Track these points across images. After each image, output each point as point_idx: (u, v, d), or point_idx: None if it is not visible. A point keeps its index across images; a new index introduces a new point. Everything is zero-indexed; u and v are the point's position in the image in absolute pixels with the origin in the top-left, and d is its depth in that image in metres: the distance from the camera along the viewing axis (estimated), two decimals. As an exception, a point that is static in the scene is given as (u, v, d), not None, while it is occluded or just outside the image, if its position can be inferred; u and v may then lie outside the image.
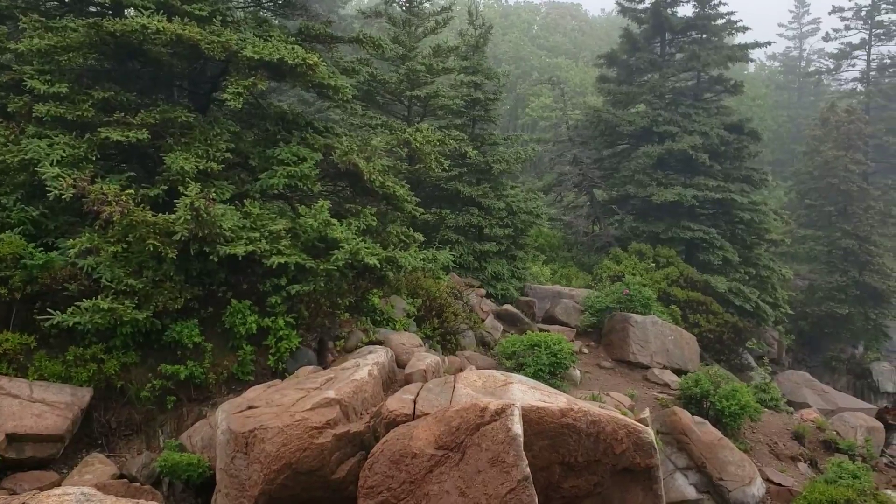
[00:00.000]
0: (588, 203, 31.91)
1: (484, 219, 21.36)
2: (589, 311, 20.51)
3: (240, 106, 12.27)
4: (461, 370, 12.48)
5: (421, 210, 16.05)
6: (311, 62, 12.82)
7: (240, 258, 11.26)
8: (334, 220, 12.33)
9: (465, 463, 7.85)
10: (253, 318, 11.88)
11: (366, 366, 10.49)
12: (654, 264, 25.95)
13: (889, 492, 15.88)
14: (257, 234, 11.59)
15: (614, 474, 9.55)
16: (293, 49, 12.97)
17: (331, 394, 9.53)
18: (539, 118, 46.93)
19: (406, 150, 15.79)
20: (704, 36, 31.35)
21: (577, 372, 16.25)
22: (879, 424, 20.89)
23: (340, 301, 12.84)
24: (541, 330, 17.91)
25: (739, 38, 36.83)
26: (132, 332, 11.14)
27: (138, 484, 10.15)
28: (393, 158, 17.82)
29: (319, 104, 22.06)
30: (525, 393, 9.56)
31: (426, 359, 11.63)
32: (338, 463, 9.09)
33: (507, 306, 19.72)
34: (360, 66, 17.47)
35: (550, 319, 20.85)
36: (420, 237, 14.75)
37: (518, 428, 8.00)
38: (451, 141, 16.80)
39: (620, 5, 33.47)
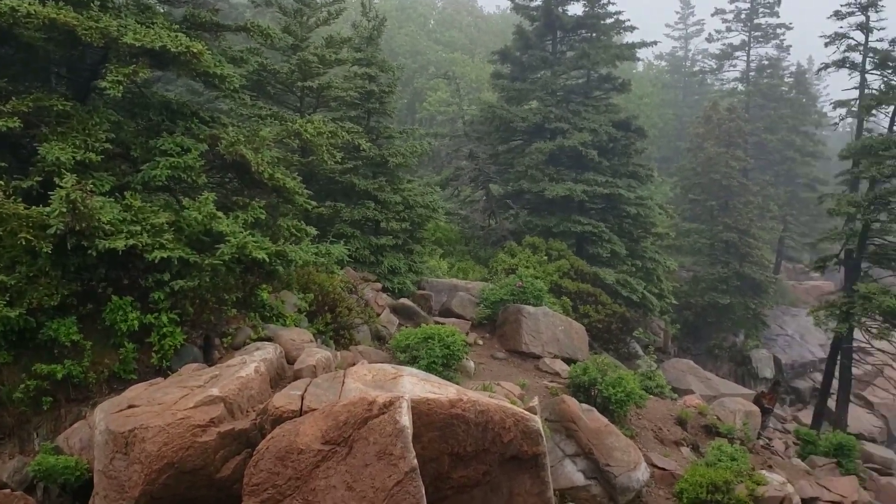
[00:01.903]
0: (484, 198, 32.29)
1: (380, 212, 21.24)
2: (484, 303, 20.75)
3: (120, 94, 11.78)
4: (354, 365, 12.38)
5: (314, 203, 15.83)
6: (195, 50, 12.43)
7: (120, 252, 10.78)
8: (220, 214, 11.99)
9: (352, 457, 7.79)
10: (135, 314, 11.41)
11: (252, 362, 10.27)
12: (546, 257, 26.52)
13: (764, 472, 16.78)
14: (139, 228, 11.12)
15: (503, 463, 9.70)
16: (177, 37, 12.54)
17: (215, 391, 9.27)
18: (436, 112, 47.11)
19: (297, 141, 15.51)
20: (594, 35, 32.25)
21: (472, 363, 16.40)
22: (756, 409, 22.09)
23: (227, 297, 12.50)
24: (437, 323, 17.97)
25: (628, 38, 38.13)
26: (3, 330, 10.50)
27: (9, 490, 9.60)
28: (284, 150, 17.49)
29: (209, 94, 21.43)
30: (415, 385, 9.58)
31: (316, 354, 11.49)
32: (223, 461, 8.87)
33: (404, 300, 19.71)
34: (250, 56, 17.04)
35: (447, 312, 20.97)
36: (313, 231, 14.51)
37: (406, 420, 8.01)
38: (344, 133, 16.61)
39: (514, 3, 34.01)
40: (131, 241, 10.80)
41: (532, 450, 9.81)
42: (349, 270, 19.03)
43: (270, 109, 19.41)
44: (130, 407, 9.32)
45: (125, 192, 11.77)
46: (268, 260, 11.77)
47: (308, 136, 14.49)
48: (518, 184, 30.51)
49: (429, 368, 13.44)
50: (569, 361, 18.63)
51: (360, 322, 16.30)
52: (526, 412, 10.07)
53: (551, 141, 29.70)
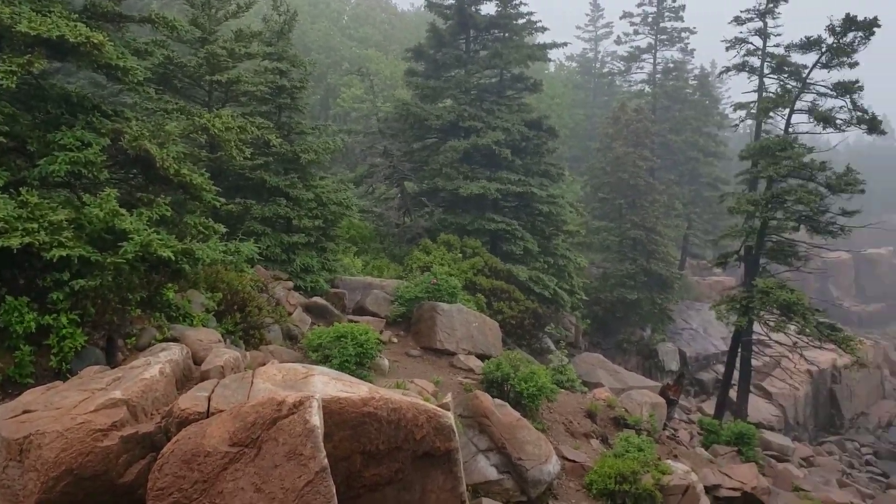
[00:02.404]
0: (399, 195, 32.27)
1: (292, 210, 20.93)
2: (398, 301, 20.75)
3: (14, 86, 11.19)
4: (264, 365, 12.16)
5: (223, 200, 15.42)
6: (96, 41, 11.94)
7: (15, 251, 10.25)
8: (123, 211, 11.53)
9: (261, 458, 7.64)
10: (31, 315, 10.87)
11: (157, 364, 9.94)
12: (461, 255, 26.72)
13: (670, 461, 17.39)
14: (35, 225, 10.59)
15: (415, 460, 9.71)
16: (76, 26, 12.00)
17: (117, 394, 8.93)
18: (350, 109, 46.77)
19: (205, 136, 15.12)
20: (506, 35, 32.64)
21: (386, 361, 16.37)
22: (662, 400, 22.83)
23: (131, 296, 12.07)
24: (351, 321, 17.81)
25: (540, 39, 38.76)
26: None
27: None
28: (191, 145, 17.03)
29: (112, 87, 20.62)
30: (326, 384, 9.48)
31: (224, 354, 11.22)
32: (126, 466, 8.55)
33: (317, 298, 19.49)
34: (155, 48, 16.47)
35: (361, 311, 20.86)
36: (222, 228, 14.14)
37: (316, 420, 7.91)
38: (254, 128, 16.30)
39: (427, 1, 34.05)
40: (27, 239, 10.28)
41: (445, 446, 9.85)
42: (260, 269, 18.68)
43: (177, 104, 18.84)
44: (26, 412, 8.87)
45: (20, 188, 11.20)
46: (174, 258, 11.41)
47: (216, 131, 14.14)
48: (433, 181, 30.63)
49: (341, 367, 13.33)
50: (483, 357, 18.82)
51: (270, 321, 16.02)
52: (439, 409, 10.11)
53: (465, 139, 29.94)
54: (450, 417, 9.98)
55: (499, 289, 25.73)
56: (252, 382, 9.50)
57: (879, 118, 27.48)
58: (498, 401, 15.00)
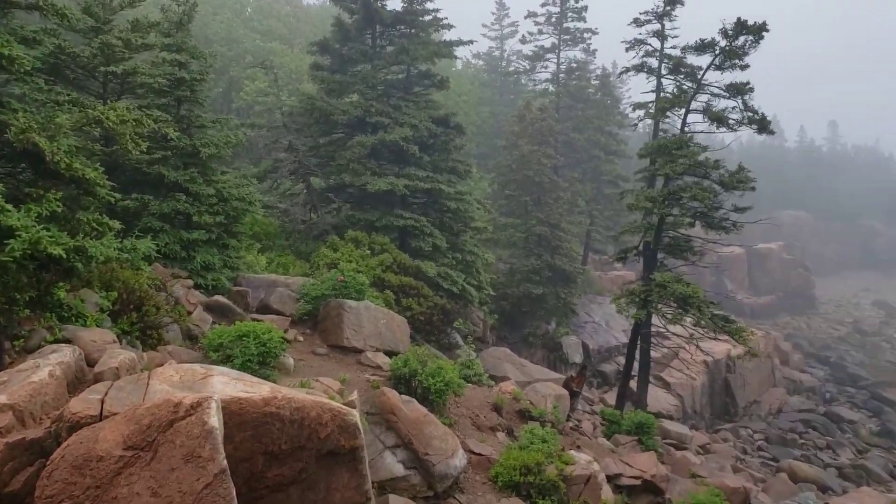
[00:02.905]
0: (305, 191, 31.81)
1: (192, 205, 20.29)
2: (304, 298, 20.47)
3: None
4: (161, 366, 11.78)
5: (118, 196, 14.84)
6: (-25, 26, 11.28)
7: None
8: (10, 207, 10.96)
9: (157, 462, 7.41)
10: None
11: (47, 366, 9.49)
12: (369, 251, 26.59)
13: (573, 452, 17.78)
14: None
15: (319, 458, 9.61)
16: (-46, 11, 11.33)
17: (2, 399, 8.48)
18: (254, 102, 45.80)
19: (99, 129, 14.48)
20: (413, 31, 32.65)
21: (291, 360, 16.12)
22: (566, 392, 23.33)
23: (19, 296, 11.44)
24: (254, 320, 17.45)
25: (446, 36, 38.92)
26: None
27: None
28: (85, 139, 16.30)
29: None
30: (226, 385, 9.28)
31: (119, 356, 10.80)
32: (12, 474, 8.14)
33: (218, 297, 18.99)
34: (45, 37, 15.71)
35: (265, 309, 20.48)
36: (117, 225, 13.57)
37: (215, 421, 7.72)
38: (151, 121, 15.71)
39: (333, -7, 33.72)
40: None
41: (349, 444, 9.80)
42: (158, 267, 18.06)
43: (69, 95, 17.94)
44: None
45: None
46: (65, 256, 10.91)
47: (110, 123, 13.57)
48: (340, 177, 30.34)
49: (244, 367, 13.06)
50: (391, 354, 18.77)
51: (169, 321, 15.52)
52: (343, 406, 10.04)
53: (373, 135, 29.80)
54: (355, 415, 9.93)
55: (407, 285, 25.75)
56: (148, 384, 9.19)
57: (769, 119, 28.84)
58: (405, 397, 15.00)
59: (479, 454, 15.83)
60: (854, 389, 58.12)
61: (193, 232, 20.24)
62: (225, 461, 7.52)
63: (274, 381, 12.75)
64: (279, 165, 31.14)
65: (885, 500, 24.10)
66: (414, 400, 15.02)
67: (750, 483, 26.69)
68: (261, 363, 13.85)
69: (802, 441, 42.95)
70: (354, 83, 31.58)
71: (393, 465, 13.62)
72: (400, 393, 15.28)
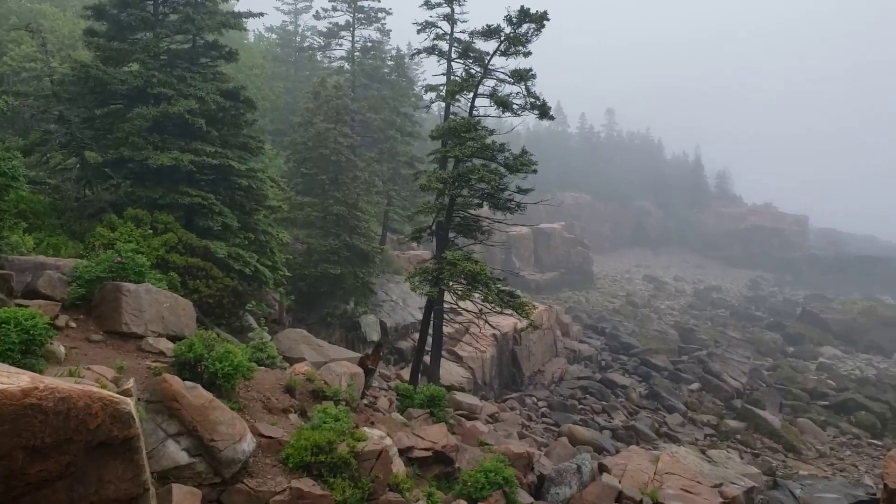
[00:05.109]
0: (78, 166, 29.32)
1: (-60, 180, 18.08)
2: (77, 282, 18.93)
3: None
4: None
5: None
6: None
7: None
8: None
9: None
10: None
11: None
12: (151, 231, 25.07)
13: (366, 429, 18.01)
14: None
15: (90, 451, 8.98)
16: None
17: None
18: (19, 69, 41.41)
19: None
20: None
21: (62, 348, 14.91)
22: (361, 370, 23.54)
23: None
24: (19, 305, 15.90)
25: (237, 7, 37.46)
26: None
27: None
28: None
29: None
30: (-23, 376, 8.39)
31: None
32: None
33: (-25, 282, 17.13)
34: None
35: (33, 293, 18.70)
36: None
37: (-40, 416, 6.96)
38: None
39: (109, -46, 31.09)
40: None
41: (123, 434, 9.23)
42: None
43: None
44: None
45: None
46: None
47: None
48: (118, 151, 28.16)
49: (4, 357, 11.87)
50: (175, 339, 17.95)
51: (-87, 309, 13.75)
52: (116, 395, 9.43)
53: (155, 107, 27.97)
54: (129, 404, 9.36)
55: (195, 266, 24.60)
56: None
57: (549, 105, 30.56)
58: (190, 383, 14.38)
59: (270, 437, 15.59)
60: (626, 357, 63.80)
61: (-58, 209, 18.04)
62: (-28, 461, 6.80)
63: (40, 371, 11.75)
64: (49, 138, 28.36)
65: (650, 455, 26.66)
66: (199, 386, 14.43)
67: (534, 448, 28.46)
68: (24, 352, 12.65)
69: (581, 406, 46.50)
70: (134, 52, 29.38)
71: (176, 453, 13.04)
72: (184, 379, 14.64)
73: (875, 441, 47.70)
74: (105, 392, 9.30)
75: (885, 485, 14.74)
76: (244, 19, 32.00)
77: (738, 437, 44.77)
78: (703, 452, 33.99)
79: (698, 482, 23.80)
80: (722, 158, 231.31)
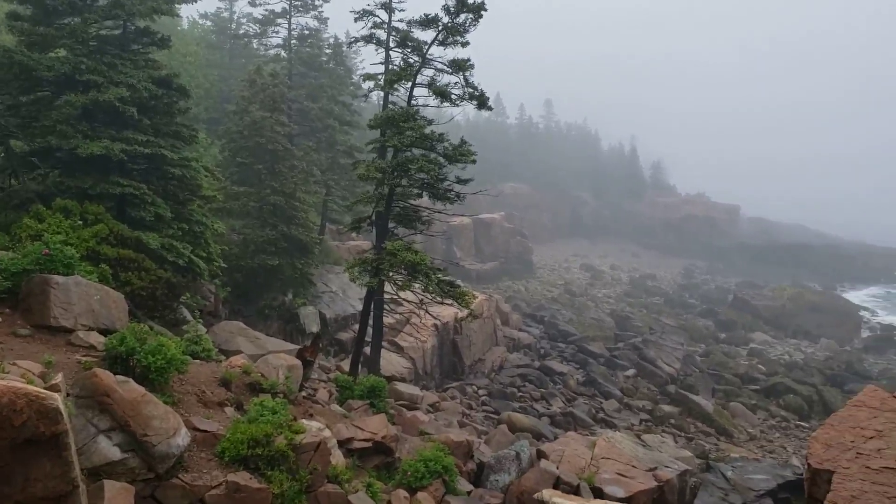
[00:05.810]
0: (3, 155, 28.29)
1: None
2: (3, 274, 18.31)
3: None
4: None
5: None
6: None
7: None
8: None
9: None
10: None
11: None
12: (81, 222, 24.36)
13: (304, 421, 17.91)
14: None
15: (15, 448, 8.76)
16: None
17: None
18: (-63, 53, 39.61)
19: None
20: (129, -16, 30.07)
21: (-15, 344, 14.44)
22: (299, 362, 23.39)
23: None
24: (-63, 301, 15.39)
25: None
26: None
27: None
28: None
29: None
30: None
31: None
32: None
33: None
34: None
35: (-47, 288, 18.08)
36: None
37: None
38: None
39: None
40: None
41: (50, 430, 9.01)
42: None
43: None
44: None
45: None
46: None
47: None
48: (46, 140, 27.20)
49: (-79, 354, 11.45)
50: (106, 332, 17.55)
51: None
52: (43, 391, 9.20)
53: (84, 94, 27.11)
54: (56, 399, 9.13)
55: (126, 258, 24.00)
56: None
57: (488, 96, 30.71)
58: (121, 377, 14.04)
59: (205, 431, 15.39)
60: (564, 344, 64.79)
61: None
62: None
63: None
64: (-30, 126, 27.31)
65: (587, 441, 27.16)
66: (131, 380, 14.12)
67: (474, 436, 28.72)
68: (-57, 349, 12.21)
69: (521, 394, 47.09)
70: (61, 37, 28.36)
71: (108, 449, 12.76)
72: (116, 373, 14.30)
73: (802, 423, 49.60)
74: (31, 388, 9.06)
75: (809, 464, 15.33)
76: (177, 5, 31.21)
77: (673, 421, 45.96)
78: (639, 437, 34.77)
79: (633, 466, 24.36)
80: (655, 142, 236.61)
